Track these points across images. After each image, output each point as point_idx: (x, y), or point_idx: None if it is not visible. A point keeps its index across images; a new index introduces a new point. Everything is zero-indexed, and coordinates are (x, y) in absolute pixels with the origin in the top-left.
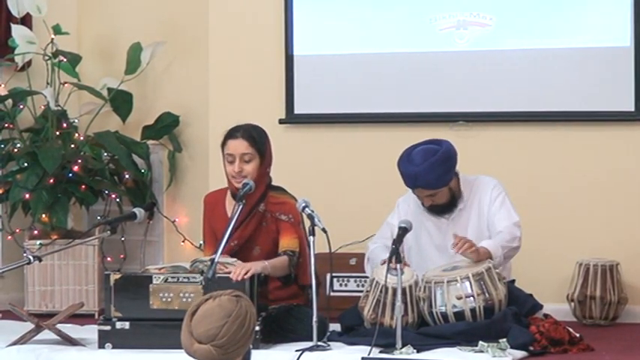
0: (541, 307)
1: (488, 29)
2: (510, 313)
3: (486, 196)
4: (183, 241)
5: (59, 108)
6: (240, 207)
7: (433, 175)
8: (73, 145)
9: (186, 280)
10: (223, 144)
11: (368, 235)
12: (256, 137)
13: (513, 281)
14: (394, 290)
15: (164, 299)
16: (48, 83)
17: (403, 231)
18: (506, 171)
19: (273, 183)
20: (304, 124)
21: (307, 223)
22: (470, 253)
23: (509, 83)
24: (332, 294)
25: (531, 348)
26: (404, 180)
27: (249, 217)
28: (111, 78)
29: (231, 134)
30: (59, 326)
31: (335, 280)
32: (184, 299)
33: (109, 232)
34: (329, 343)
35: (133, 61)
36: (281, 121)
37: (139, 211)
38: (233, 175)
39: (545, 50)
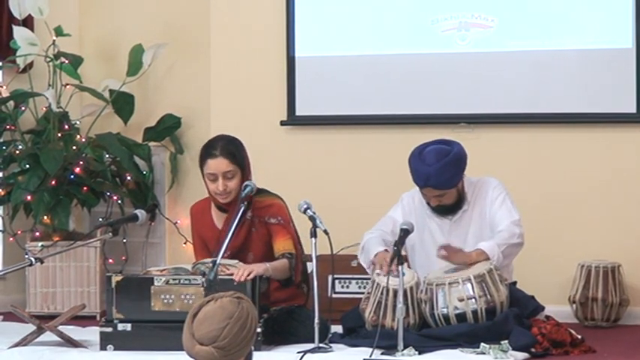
0: (543, 308)
1: (490, 31)
2: (512, 315)
3: (487, 197)
4: (184, 243)
5: (61, 110)
6: (242, 208)
7: (445, 176)
8: (74, 147)
9: (187, 282)
10: (202, 163)
11: None
12: (235, 153)
13: (515, 283)
14: (395, 292)
15: (165, 301)
16: (49, 85)
17: (405, 233)
18: (507, 173)
19: (266, 183)
20: (306, 126)
21: (308, 224)
22: (456, 257)
23: (511, 85)
24: (333, 296)
25: (533, 350)
26: (415, 178)
27: (239, 226)
28: (112, 80)
29: (209, 153)
30: (61, 328)
31: (336, 281)
32: (186, 301)
33: (110, 233)
34: (330, 344)
35: (135, 63)
36: (282, 123)
37: (141, 213)
38: (217, 193)
39: (546, 52)
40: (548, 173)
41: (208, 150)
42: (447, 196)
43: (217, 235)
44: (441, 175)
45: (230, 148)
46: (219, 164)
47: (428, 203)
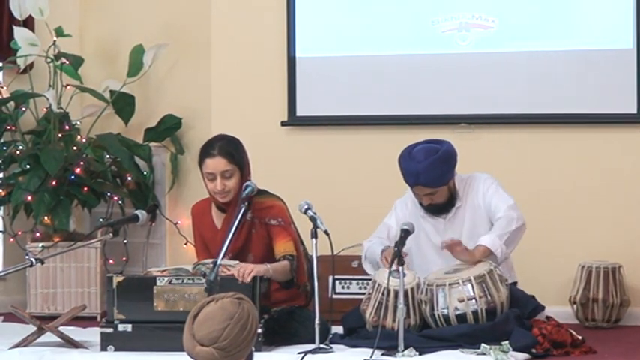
0: (543, 308)
1: (490, 31)
2: (513, 316)
3: (479, 191)
4: (185, 244)
5: (61, 110)
6: (243, 209)
7: (435, 174)
8: (75, 148)
9: (190, 281)
10: (201, 163)
11: (370, 237)
12: (233, 153)
13: (515, 283)
14: (396, 292)
15: (168, 301)
16: (50, 85)
17: (405, 233)
18: (508, 173)
19: (266, 184)
20: (306, 126)
21: (309, 225)
22: (459, 253)
23: (512, 86)
24: (334, 296)
25: (534, 350)
26: (405, 177)
27: (239, 228)
28: (113, 80)
29: (208, 153)
30: (61, 328)
31: (337, 282)
32: (189, 300)
33: (111, 234)
34: (331, 345)
35: (136, 64)
36: (283, 123)
37: (142, 214)
38: (216, 192)
39: (547, 52)
40: (549, 173)
41: (207, 150)
42: (438, 194)
43: (217, 236)
44: (430, 173)
45: (228, 147)
46: (217, 164)
47: (420, 203)
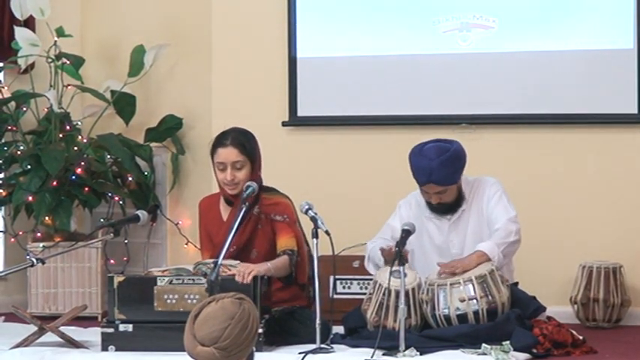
0: (544, 309)
1: (491, 31)
2: (514, 316)
3: (484, 195)
4: (186, 244)
5: (62, 110)
6: (244, 209)
7: (446, 171)
8: (76, 148)
9: (191, 281)
10: (213, 152)
11: (371, 237)
12: (246, 144)
13: (517, 284)
14: (397, 293)
15: (168, 301)
16: (51, 86)
17: (406, 233)
18: (509, 173)
19: (268, 184)
20: (307, 127)
21: (310, 225)
22: (457, 271)
23: (513, 85)
24: (335, 296)
25: (534, 350)
26: (416, 175)
27: (245, 222)
28: (114, 80)
29: (220, 142)
30: (62, 329)
31: (338, 282)
32: (189, 301)
33: (112, 234)
34: (332, 345)
35: (136, 64)
36: (284, 124)
37: (142, 214)
38: (225, 183)
39: (548, 52)
40: (550, 174)
41: (220, 139)
42: (447, 193)
43: (222, 228)
44: (442, 170)
45: (241, 138)
46: (229, 153)
47: (428, 202)
